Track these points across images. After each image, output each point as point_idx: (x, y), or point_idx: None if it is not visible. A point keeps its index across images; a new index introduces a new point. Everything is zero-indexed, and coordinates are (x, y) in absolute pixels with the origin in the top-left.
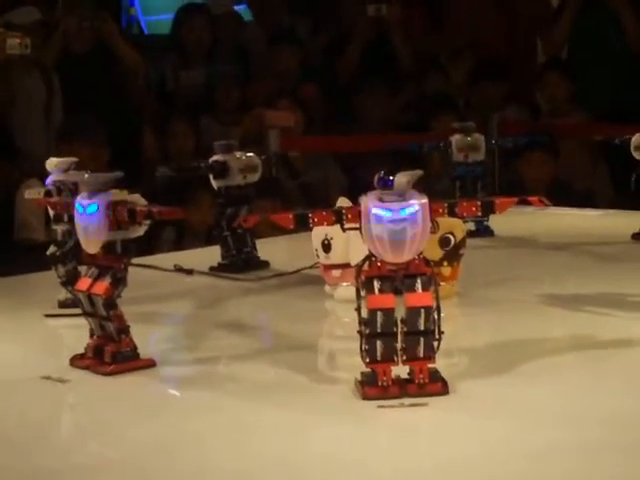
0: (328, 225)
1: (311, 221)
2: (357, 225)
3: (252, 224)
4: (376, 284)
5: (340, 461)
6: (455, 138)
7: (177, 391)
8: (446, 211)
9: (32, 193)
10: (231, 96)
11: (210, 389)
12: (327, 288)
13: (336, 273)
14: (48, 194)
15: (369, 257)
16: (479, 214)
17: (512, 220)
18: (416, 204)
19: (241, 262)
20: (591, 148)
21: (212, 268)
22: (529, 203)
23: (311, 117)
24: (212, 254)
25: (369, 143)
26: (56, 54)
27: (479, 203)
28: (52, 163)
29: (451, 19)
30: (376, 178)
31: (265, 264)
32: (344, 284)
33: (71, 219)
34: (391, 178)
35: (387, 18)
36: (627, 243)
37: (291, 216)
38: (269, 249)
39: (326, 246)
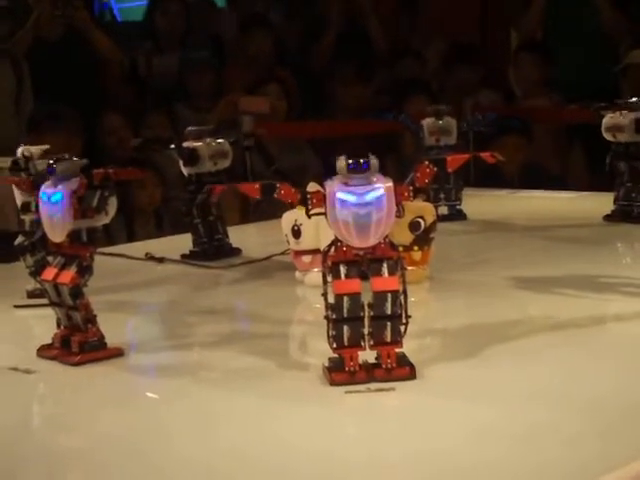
0: (292, 201)
1: (277, 191)
2: (322, 210)
3: (218, 193)
4: (342, 269)
5: (307, 447)
6: (426, 122)
7: (147, 380)
8: (411, 194)
9: None
10: (204, 82)
11: (181, 377)
12: (298, 274)
13: (306, 259)
14: (15, 164)
15: (335, 242)
16: (434, 172)
17: (485, 204)
18: (381, 188)
19: (212, 249)
20: (566, 131)
21: (183, 256)
22: (482, 159)
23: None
24: (183, 242)
25: (344, 128)
26: (28, 42)
27: (431, 164)
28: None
29: (423, 4)
30: (344, 162)
31: (236, 251)
32: (314, 270)
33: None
34: (362, 161)
35: (361, 3)
36: (599, 225)
37: (257, 186)
38: (240, 236)
39: (296, 232)
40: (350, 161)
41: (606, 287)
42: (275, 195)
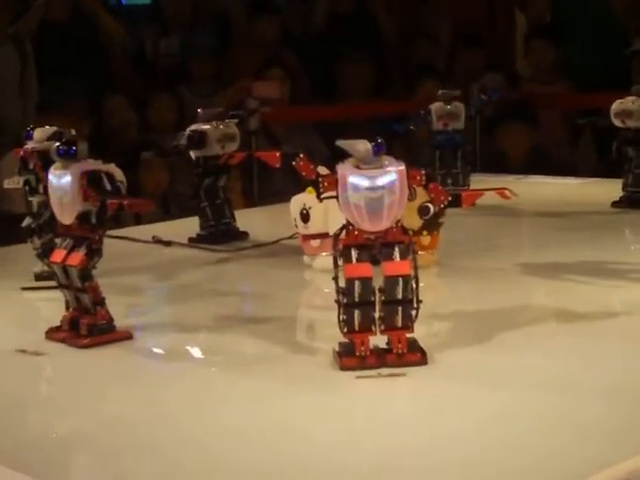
0: (309, 174)
1: (297, 161)
2: (334, 193)
3: (238, 161)
4: (354, 253)
5: (317, 432)
6: (434, 106)
7: (155, 363)
8: (423, 180)
9: (11, 183)
10: (206, 68)
11: (188, 361)
12: (306, 258)
13: (315, 243)
14: (27, 183)
15: (346, 226)
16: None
17: None
18: (393, 171)
19: (220, 233)
20: (574, 117)
21: (191, 239)
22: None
23: (294, 86)
24: (191, 225)
25: (351, 112)
26: (35, 25)
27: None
28: (38, 134)
29: None
30: (365, 145)
31: (244, 235)
32: (323, 254)
33: (47, 190)
34: (380, 141)
35: None
36: (607, 212)
37: (278, 154)
38: (248, 220)
39: (305, 216)
40: (373, 144)
41: (614, 273)
42: (294, 164)
